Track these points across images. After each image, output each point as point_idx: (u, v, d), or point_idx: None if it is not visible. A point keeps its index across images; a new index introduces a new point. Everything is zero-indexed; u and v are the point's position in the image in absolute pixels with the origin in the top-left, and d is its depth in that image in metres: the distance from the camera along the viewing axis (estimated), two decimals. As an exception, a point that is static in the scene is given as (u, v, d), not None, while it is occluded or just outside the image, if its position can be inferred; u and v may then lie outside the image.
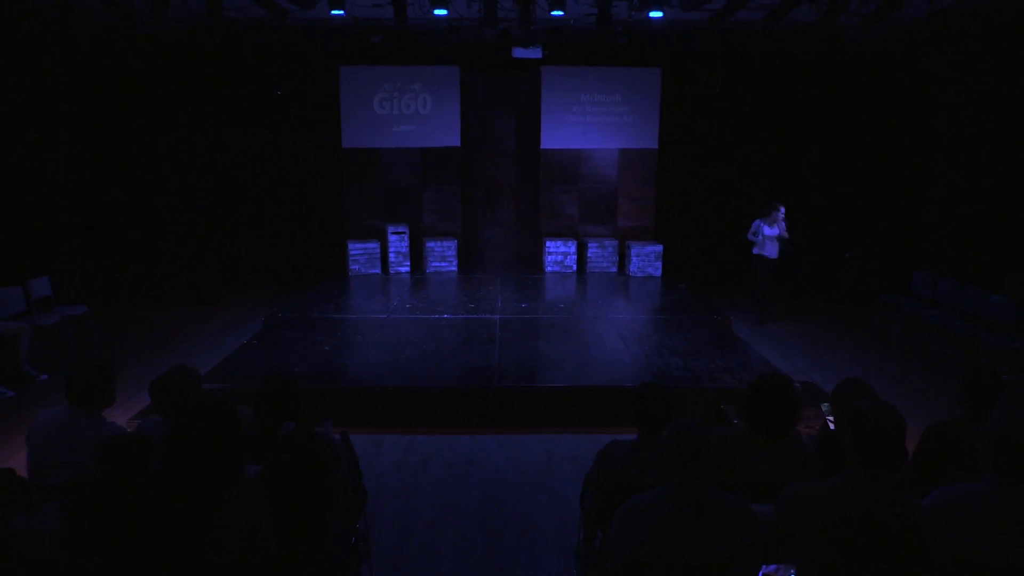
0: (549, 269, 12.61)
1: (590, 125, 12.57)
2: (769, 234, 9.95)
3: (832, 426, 3.84)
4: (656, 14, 9.01)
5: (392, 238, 12.35)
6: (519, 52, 10.62)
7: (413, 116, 12.45)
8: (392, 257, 12.40)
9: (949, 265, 10.29)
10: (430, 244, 12.47)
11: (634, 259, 12.21)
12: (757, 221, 10.11)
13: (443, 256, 12.54)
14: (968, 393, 3.55)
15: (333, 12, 8.66)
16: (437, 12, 9.02)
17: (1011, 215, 9.66)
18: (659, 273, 12.25)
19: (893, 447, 2.53)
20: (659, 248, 12.26)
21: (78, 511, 2.73)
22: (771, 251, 10.03)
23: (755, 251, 10.16)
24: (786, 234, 9.95)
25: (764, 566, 2.97)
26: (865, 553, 2.46)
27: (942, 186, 10.86)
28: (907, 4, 8.37)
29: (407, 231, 12.42)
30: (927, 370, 8.20)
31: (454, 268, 12.58)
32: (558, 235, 12.83)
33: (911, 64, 11.23)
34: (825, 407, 4.05)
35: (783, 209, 9.95)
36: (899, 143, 11.75)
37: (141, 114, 11.72)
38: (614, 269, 12.67)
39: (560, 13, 9.00)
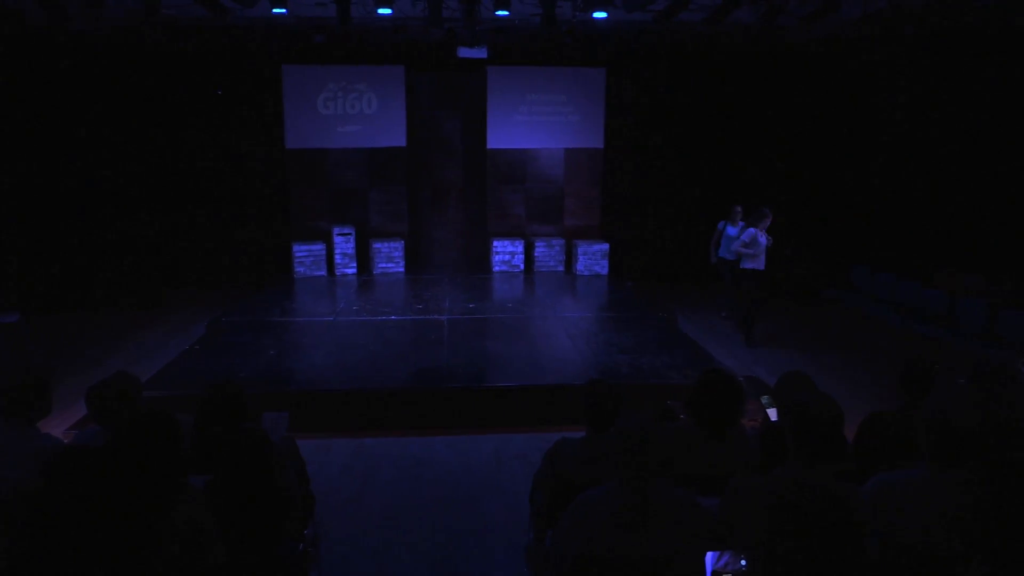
0: (497, 269, 12.61)
1: (536, 125, 12.61)
2: (764, 243, 8.85)
3: (774, 418, 3.93)
4: (600, 15, 9.10)
5: (338, 239, 12.20)
6: (464, 52, 10.58)
7: (358, 116, 12.32)
8: (338, 259, 12.24)
9: (886, 260, 10.60)
10: (377, 245, 12.36)
11: (581, 258, 12.30)
12: (751, 230, 8.86)
13: (390, 257, 12.43)
14: (903, 383, 3.67)
15: (275, 11, 8.54)
16: (381, 11, 8.95)
17: (943, 211, 10.00)
18: (606, 272, 12.36)
19: (831, 438, 2.61)
20: (605, 247, 12.37)
21: (16, 526, 2.63)
22: (763, 262, 8.96)
23: (748, 265, 8.94)
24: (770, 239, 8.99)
25: (714, 557, 3.03)
26: (804, 541, 2.52)
27: (877, 182, 11.18)
28: (843, 5, 8.60)
29: (353, 232, 12.28)
30: (866, 362, 8.42)
31: (401, 269, 12.48)
32: (506, 235, 12.83)
33: (848, 64, 11.55)
34: (765, 399, 4.14)
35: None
36: (837, 140, 12.07)
37: (75, 114, 11.34)
38: (561, 268, 12.74)
39: (505, 13, 9.02)
